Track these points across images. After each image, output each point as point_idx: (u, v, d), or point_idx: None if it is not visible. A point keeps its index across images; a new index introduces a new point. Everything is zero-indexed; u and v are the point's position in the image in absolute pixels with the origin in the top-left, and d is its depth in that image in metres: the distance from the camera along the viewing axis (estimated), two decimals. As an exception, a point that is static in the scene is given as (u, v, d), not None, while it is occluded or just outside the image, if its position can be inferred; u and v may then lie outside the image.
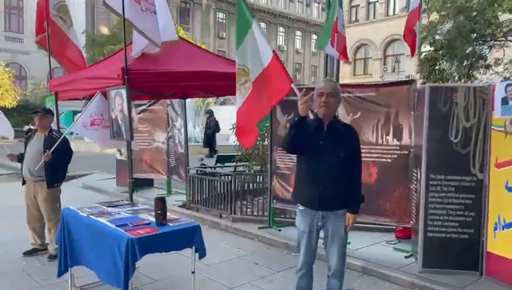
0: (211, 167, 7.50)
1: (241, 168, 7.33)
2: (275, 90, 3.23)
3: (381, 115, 4.50)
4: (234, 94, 5.16)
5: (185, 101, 6.84)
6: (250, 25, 3.42)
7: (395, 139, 4.43)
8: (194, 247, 3.30)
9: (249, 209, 6.10)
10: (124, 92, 4.09)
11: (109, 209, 3.68)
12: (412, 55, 5.53)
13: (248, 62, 3.39)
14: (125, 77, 4.07)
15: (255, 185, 6.42)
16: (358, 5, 36.75)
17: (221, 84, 4.80)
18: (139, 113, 7.90)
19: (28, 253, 4.67)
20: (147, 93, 5.11)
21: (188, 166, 6.95)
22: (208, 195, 6.52)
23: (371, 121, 4.53)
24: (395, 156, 4.43)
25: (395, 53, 33.85)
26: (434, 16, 14.43)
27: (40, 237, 4.75)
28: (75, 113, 28.14)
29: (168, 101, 7.42)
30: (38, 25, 5.80)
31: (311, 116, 2.87)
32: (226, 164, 7.97)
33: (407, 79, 5.44)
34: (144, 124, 7.85)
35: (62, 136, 4.48)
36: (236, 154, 7.33)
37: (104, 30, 32.55)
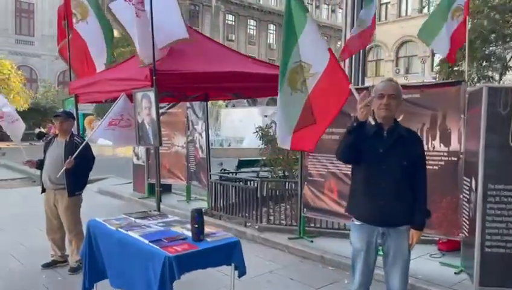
0: (232, 172, 7.20)
1: (263, 174, 7.03)
2: (336, 93, 2.93)
3: (427, 118, 4.17)
4: (266, 96, 4.88)
5: (206, 104, 6.56)
6: (306, 20, 3.12)
7: (442, 145, 4.10)
8: (233, 264, 3.00)
9: (275, 218, 5.78)
10: (152, 94, 3.80)
11: (138, 221, 3.39)
12: (451, 60, 5.18)
13: (308, 58, 3.08)
14: (154, 78, 3.79)
15: (279, 191, 6.12)
16: (389, 2, 36.27)
17: (253, 86, 4.50)
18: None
19: (47, 265, 4.40)
20: (172, 96, 4.80)
21: (210, 171, 6.66)
22: (231, 202, 6.23)
23: (415, 125, 4.19)
24: (443, 162, 4.09)
25: (407, 54, 33.41)
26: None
27: (60, 249, 4.48)
28: (85, 116, 28.14)
29: (188, 103, 7.13)
30: (60, 33, 5.55)
31: (372, 122, 2.55)
32: (242, 169, 7.69)
33: (456, 80, 5.07)
34: (162, 127, 7.52)
35: (84, 142, 4.21)
36: (259, 158, 7.02)
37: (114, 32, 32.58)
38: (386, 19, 35.20)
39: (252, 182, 5.98)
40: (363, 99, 2.43)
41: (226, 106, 21.05)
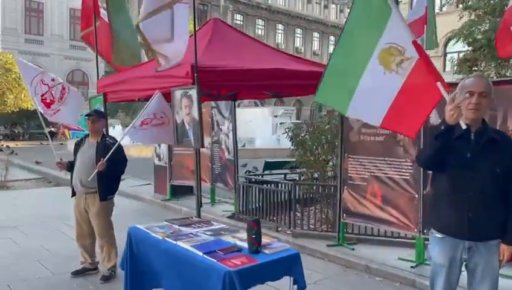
0: (259, 174, 6.93)
1: (291, 176, 6.76)
2: (428, 89, 2.64)
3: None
4: (306, 94, 4.61)
5: (234, 103, 6.30)
6: (390, 5, 2.83)
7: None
8: (292, 278, 2.74)
9: (310, 223, 5.50)
10: (193, 92, 3.55)
11: (183, 228, 3.15)
12: (503, 56, 4.89)
13: (399, 41, 2.80)
14: (195, 75, 3.53)
15: (313, 195, 5.85)
16: (401, 1, 35.93)
17: (295, 84, 4.24)
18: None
19: (77, 273, 4.16)
20: (208, 95, 4.54)
21: (238, 173, 6.40)
22: (261, 206, 5.96)
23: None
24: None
25: (419, 54, 32.89)
26: (473, 15, 13.83)
27: (90, 255, 4.24)
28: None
29: (213, 103, 6.90)
30: (84, 20, 5.32)
31: (463, 125, 2.25)
32: (269, 171, 7.43)
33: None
34: (185, 127, 7.33)
35: (117, 143, 3.97)
36: (287, 160, 6.75)
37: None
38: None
39: (284, 185, 5.71)
40: (453, 100, 2.15)
41: (238, 106, 20.80)
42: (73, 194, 4.20)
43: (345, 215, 4.86)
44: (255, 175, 6.74)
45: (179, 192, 7.70)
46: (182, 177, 7.42)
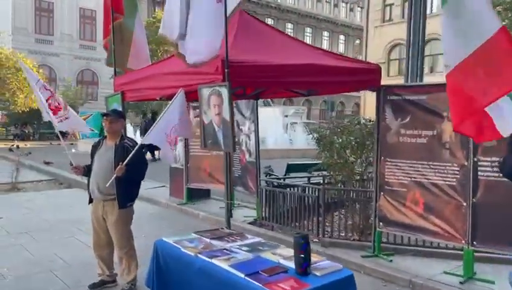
0: (282, 178, 6.57)
1: (315, 180, 6.39)
2: (502, 75, 2.27)
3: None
4: (342, 92, 4.26)
5: (256, 102, 5.94)
6: None
7: None
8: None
9: (340, 231, 5.13)
10: (224, 90, 3.20)
11: (215, 242, 2.81)
12: None
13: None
14: (226, 70, 3.18)
15: (342, 201, 5.48)
16: (393, 4, 35.35)
17: (330, 80, 3.87)
18: (197, 116, 7.04)
19: (94, 286, 3.83)
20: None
21: (260, 176, 6.04)
22: (285, 211, 5.61)
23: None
24: None
25: (432, 53, 32.27)
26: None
27: (108, 267, 3.91)
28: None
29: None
30: (105, 27, 5.01)
31: None
32: (292, 174, 7.06)
33: None
34: (202, 128, 7.00)
35: (137, 146, 3.63)
36: (311, 162, 6.38)
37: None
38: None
39: (311, 190, 5.35)
40: None
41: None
42: (91, 200, 3.87)
43: (381, 223, 4.48)
44: (278, 178, 6.37)
45: (195, 195, 7.37)
46: (199, 180, 7.09)
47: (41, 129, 24.24)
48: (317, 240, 5.22)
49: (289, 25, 45.78)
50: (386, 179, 4.42)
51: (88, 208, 7.11)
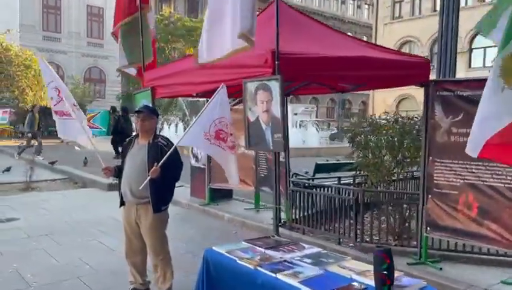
0: (311, 178, 6.28)
1: (345, 180, 6.10)
2: None
3: None
4: (387, 86, 3.97)
5: (287, 99, 5.64)
6: None
7: None
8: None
9: (377, 235, 4.84)
10: (274, 84, 2.92)
11: (270, 253, 2.53)
12: None
13: None
14: (276, 63, 2.90)
15: (381, 203, 5.20)
16: (403, 1, 34.89)
17: (382, 74, 3.58)
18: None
19: (127, 296, 3.58)
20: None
21: (290, 177, 5.76)
22: (318, 213, 5.33)
23: None
24: None
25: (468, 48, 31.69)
26: None
27: (141, 275, 3.64)
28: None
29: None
30: (117, 16, 4.73)
31: None
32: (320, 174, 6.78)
33: None
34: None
35: (174, 146, 3.36)
36: (341, 162, 6.09)
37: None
38: (420, 13, 33.70)
39: (348, 191, 5.06)
40: None
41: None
42: (122, 203, 3.61)
43: (428, 228, 4.18)
44: (307, 179, 6.08)
45: (217, 196, 7.11)
46: (222, 180, 6.78)
47: (50, 127, 24.06)
48: (352, 245, 4.95)
49: None
50: (434, 181, 4.12)
51: (106, 209, 6.96)
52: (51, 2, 32.07)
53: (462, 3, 31.38)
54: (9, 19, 27.35)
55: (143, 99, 4.43)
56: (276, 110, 2.92)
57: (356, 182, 6.13)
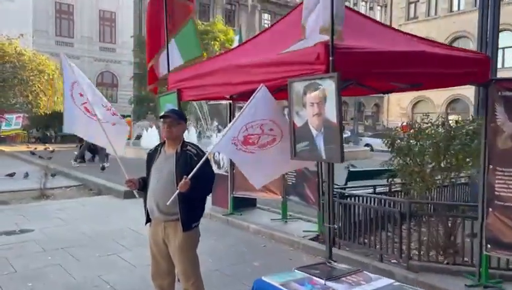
0: (342, 187, 5.83)
1: (380, 189, 5.64)
2: None
3: None
4: (445, 86, 3.53)
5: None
6: None
7: None
8: None
9: (429, 252, 4.36)
10: (329, 84, 2.50)
11: (333, 285, 2.11)
12: None
13: None
14: (330, 59, 2.49)
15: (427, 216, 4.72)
16: (418, 1, 34.28)
17: (438, 72, 3.14)
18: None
19: (154, 323, 3.18)
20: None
21: (322, 186, 5.32)
22: (353, 225, 4.88)
23: None
24: None
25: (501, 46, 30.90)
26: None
27: (169, 299, 3.24)
28: (123, 117, 27.20)
29: (286, 101, 5.87)
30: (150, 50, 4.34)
31: None
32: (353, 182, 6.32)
33: None
34: (250, 131, 6.33)
35: (205, 156, 2.96)
36: (381, 168, 5.64)
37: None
38: (435, 13, 33.04)
39: (394, 204, 4.59)
40: None
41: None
42: (148, 220, 3.21)
43: (489, 246, 3.70)
44: (342, 188, 5.62)
45: (240, 205, 6.71)
46: (245, 188, 6.39)
47: (63, 132, 24.01)
48: (395, 261, 4.49)
49: None
50: (496, 193, 3.65)
51: (124, 219, 6.59)
52: (64, 7, 32.18)
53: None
54: (22, 24, 27.42)
55: (168, 103, 4.03)
56: (331, 114, 2.49)
57: (392, 190, 5.69)
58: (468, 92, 27.34)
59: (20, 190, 8.81)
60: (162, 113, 3.78)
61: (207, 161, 3.01)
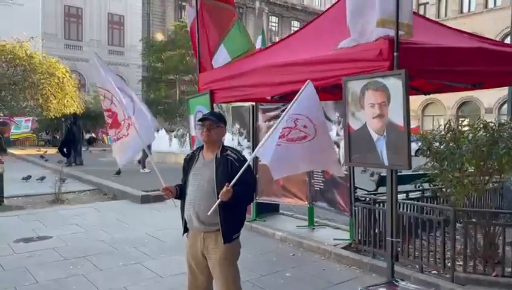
0: (372, 193, 5.57)
1: (412, 195, 5.37)
2: None
3: None
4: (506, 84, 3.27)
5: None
6: None
7: None
8: None
9: (475, 263, 4.09)
10: (394, 82, 2.26)
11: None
12: None
13: None
14: (395, 54, 2.25)
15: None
16: (427, 3, 33.96)
17: (500, 71, 2.90)
18: (269, 120, 6.16)
19: None
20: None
21: (356, 192, 5.07)
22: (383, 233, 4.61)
23: None
24: None
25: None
26: None
27: (207, 316, 3.01)
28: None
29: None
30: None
31: None
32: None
33: None
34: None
35: (247, 162, 2.74)
36: (414, 173, 5.38)
37: (160, 37, 31.91)
38: (446, 15, 32.66)
39: (439, 212, 4.33)
40: None
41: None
42: (186, 230, 2.99)
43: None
44: (374, 194, 5.36)
45: (263, 210, 6.49)
46: (269, 193, 6.19)
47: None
48: (435, 272, 4.23)
49: (295, 23, 44.90)
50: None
51: (143, 225, 6.37)
52: (73, 10, 32.27)
53: (491, 4, 30.45)
54: (31, 27, 27.47)
55: (199, 106, 3.82)
56: (397, 116, 2.26)
57: (425, 196, 5.43)
58: (478, 94, 27.07)
59: (34, 194, 8.66)
60: (190, 116, 3.57)
61: (249, 166, 2.79)
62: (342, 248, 4.97)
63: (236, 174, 2.70)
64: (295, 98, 2.65)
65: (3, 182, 7.83)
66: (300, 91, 2.64)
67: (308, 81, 2.63)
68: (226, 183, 2.64)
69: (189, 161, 3.00)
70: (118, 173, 10.92)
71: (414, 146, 5.32)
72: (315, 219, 6.07)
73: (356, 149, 2.52)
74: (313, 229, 5.81)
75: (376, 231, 4.75)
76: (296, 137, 2.81)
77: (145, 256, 4.92)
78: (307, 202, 5.87)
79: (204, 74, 3.80)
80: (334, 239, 5.20)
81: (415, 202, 4.82)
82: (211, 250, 2.84)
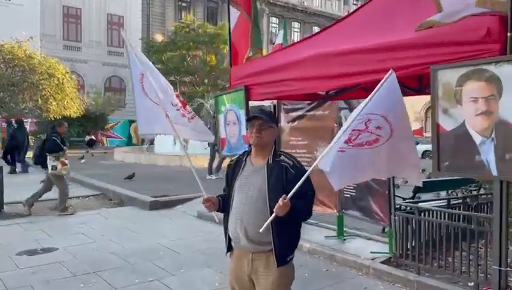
0: (410, 200, 5.10)
1: (453, 202, 4.92)
2: None
3: None
4: None
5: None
6: None
7: None
8: None
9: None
10: (508, 70, 1.80)
11: None
12: None
13: None
14: (509, 35, 1.79)
15: None
16: None
17: None
18: (292, 121, 5.69)
19: None
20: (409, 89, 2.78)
21: (394, 200, 4.59)
22: (434, 244, 4.16)
23: None
24: None
25: None
26: None
27: None
28: (131, 122, 26.57)
29: (343, 102, 5.20)
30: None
31: None
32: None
33: None
34: (298, 136, 5.64)
35: (308, 172, 2.27)
36: (458, 178, 4.92)
37: (159, 38, 31.37)
38: (449, 16, 32.30)
39: (484, 222, 3.88)
40: None
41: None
42: (229, 248, 2.51)
43: None
44: (415, 202, 4.89)
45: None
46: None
47: (72, 137, 23.35)
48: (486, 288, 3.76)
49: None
50: None
51: (154, 234, 5.85)
52: (71, 11, 31.76)
53: None
54: (30, 28, 26.93)
55: (231, 103, 3.33)
56: (511, 113, 1.78)
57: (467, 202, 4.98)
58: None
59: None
60: (220, 115, 3.10)
61: (308, 175, 2.31)
62: (381, 262, 4.49)
63: (291, 184, 2.24)
64: (372, 94, 2.15)
65: (3, 186, 7.32)
66: (379, 85, 2.14)
67: (391, 70, 2.14)
68: (283, 195, 2.17)
69: (235, 167, 2.52)
70: (130, 177, 10.36)
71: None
72: (344, 229, 5.59)
73: (449, 154, 2.04)
74: (344, 240, 5.32)
75: (421, 243, 4.28)
76: (365, 141, 2.34)
77: (163, 272, 4.42)
78: (335, 210, 5.39)
79: (237, 67, 3.32)
80: (371, 252, 4.72)
81: (462, 212, 4.35)
82: (261, 274, 2.36)
